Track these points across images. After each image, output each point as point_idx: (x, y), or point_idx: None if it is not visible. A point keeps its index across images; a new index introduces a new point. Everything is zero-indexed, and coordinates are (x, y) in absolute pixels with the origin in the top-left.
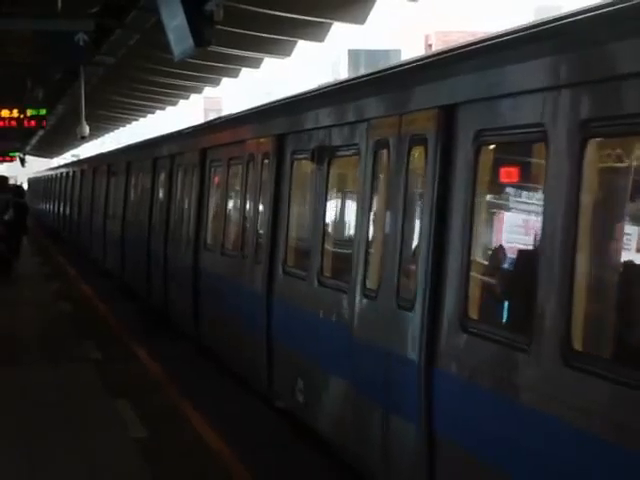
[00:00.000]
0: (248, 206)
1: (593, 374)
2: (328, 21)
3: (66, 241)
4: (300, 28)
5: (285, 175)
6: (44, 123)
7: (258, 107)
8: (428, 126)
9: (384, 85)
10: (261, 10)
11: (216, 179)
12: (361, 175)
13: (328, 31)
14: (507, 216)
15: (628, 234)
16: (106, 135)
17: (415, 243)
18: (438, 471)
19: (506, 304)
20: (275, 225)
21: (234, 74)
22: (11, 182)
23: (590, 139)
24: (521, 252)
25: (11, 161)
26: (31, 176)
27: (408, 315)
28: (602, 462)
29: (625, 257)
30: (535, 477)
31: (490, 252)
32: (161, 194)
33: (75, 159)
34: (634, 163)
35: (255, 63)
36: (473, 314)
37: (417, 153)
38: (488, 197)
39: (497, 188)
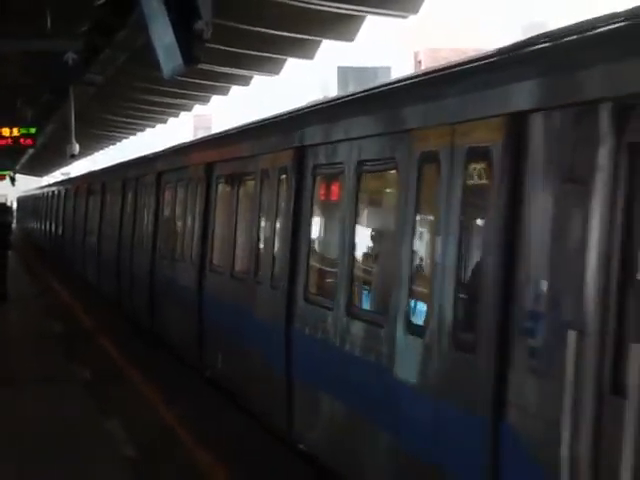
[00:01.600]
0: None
1: (365, 321)
2: (317, 38)
3: (55, 260)
4: (289, 45)
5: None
6: (34, 142)
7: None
8: (287, 161)
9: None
10: (250, 28)
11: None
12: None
13: (317, 48)
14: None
15: (373, 234)
16: (95, 153)
17: (278, 244)
18: (295, 401)
19: (325, 282)
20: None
21: (224, 92)
22: (0, 200)
23: (362, 173)
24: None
25: (1, 180)
26: (20, 194)
27: (277, 292)
28: (373, 379)
29: (376, 247)
30: (348, 392)
31: (310, 248)
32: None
33: (65, 177)
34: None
35: (244, 81)
36: (311, 289)
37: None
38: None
39: (320, 204)
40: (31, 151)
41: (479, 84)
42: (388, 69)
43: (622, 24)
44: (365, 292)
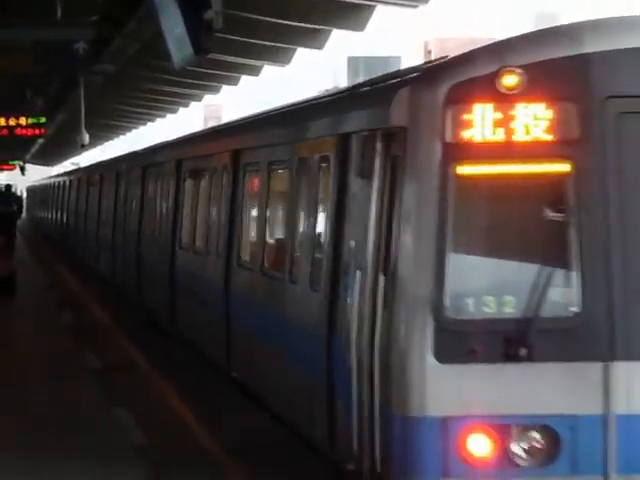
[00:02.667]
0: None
1: (270, 277)
2: (327, 28)
3: (66, 251)
4: (299, 35)
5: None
6: (43, 131)
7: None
8: (227, 160)
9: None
10: (260, 18)
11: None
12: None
13: (327, 38)
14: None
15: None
16: (105, 143)
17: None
18: (232, 342)
19: (248, 251)
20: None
21: (234, 82)
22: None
23: (270, 171)
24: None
25: (11, 169)
26: (29, 184)
27: (218, 260)
28: (272, 319)
29: (278, 222)
30: (267, 333)
31: (242, 227)
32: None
33: (75, 167)
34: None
35: (255, 71)
36: (243, 257)
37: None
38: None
39: (247, 193)
40: (41, 141)
41: (325, 113)
42: (398, 59)
43: (381, 84)
44: (271, 256)
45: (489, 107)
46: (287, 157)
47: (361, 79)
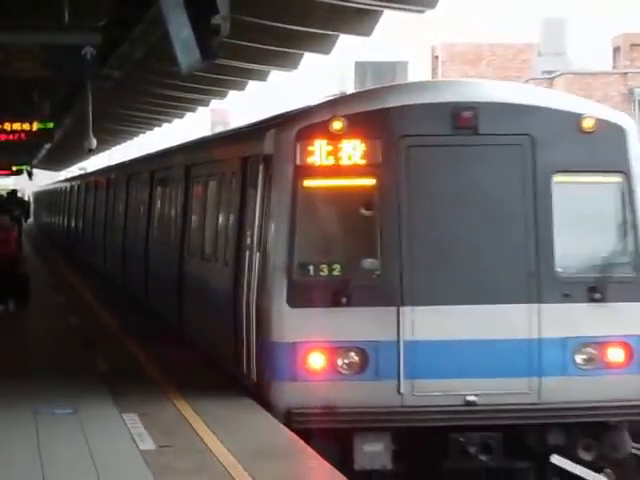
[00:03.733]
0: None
1: (202, 259)
2: (334, 33)
3: (73, 257)
4: (307, 40)
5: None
6: (51, 136)
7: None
8: (182, 173)
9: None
10: (267, 23)
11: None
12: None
13: (334, 43)
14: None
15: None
16: (112, 148)
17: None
18: (184, 306)
19: (192, 241)
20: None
21: (241, 87)
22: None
23: (208, 182)
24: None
25: (18, 174)
26: (36, 189)
27: (174, 253)
28: (209, 288)
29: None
30: (205, 294)
31: (189, 223)
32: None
33: (82, 172)
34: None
35: (262, 75)
36: (190, 246)
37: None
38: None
39: (194, 199)
40: (48, 146)
41: (235, 143)
42: (405, 64)
43: (264, 125)
44: (204, 244)
45: (324, 142)
46: (215, 172)
47: (368, 84)
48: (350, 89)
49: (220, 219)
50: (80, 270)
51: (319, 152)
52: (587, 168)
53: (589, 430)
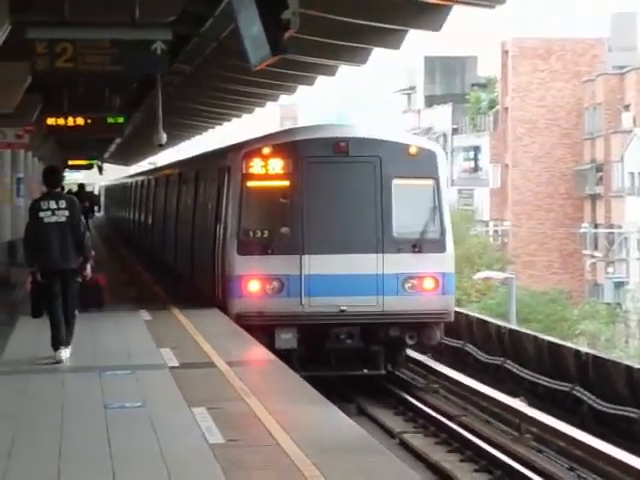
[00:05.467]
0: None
1: (203, 231)
2: (403, 28)
3: (144, 251)
4: (376, 35)
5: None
6: (122, 131)
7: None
8: (191, 175)
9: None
10: (337, 18)
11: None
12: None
13: (403, 38)
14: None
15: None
16: (181, 143)
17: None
18: (194, 262)
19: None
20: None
21: (309, 82)
22: (88, 189)
23: (197, 182)
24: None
25: (89, 169)
26: (107, 184)
27: (188, 229)
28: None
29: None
30: (199, 252)
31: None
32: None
33: (153, 166)
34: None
35: (330, 71)
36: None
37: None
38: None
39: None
40: (119, 140)
41: (216, 157)
42: (475, 59)
43: (233, 147)
44: (202, 220)
45: (259, 160)
46: (207, 175)
47: (437, 79)
48: (419, 84)
49: (209, 205)
50: (148, 261)
51: (256, 165)
52: (413, 175)
53: (413, 327)
